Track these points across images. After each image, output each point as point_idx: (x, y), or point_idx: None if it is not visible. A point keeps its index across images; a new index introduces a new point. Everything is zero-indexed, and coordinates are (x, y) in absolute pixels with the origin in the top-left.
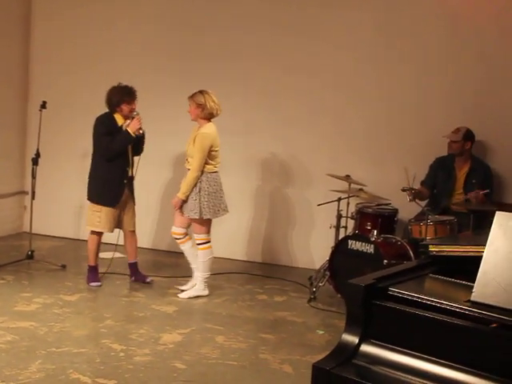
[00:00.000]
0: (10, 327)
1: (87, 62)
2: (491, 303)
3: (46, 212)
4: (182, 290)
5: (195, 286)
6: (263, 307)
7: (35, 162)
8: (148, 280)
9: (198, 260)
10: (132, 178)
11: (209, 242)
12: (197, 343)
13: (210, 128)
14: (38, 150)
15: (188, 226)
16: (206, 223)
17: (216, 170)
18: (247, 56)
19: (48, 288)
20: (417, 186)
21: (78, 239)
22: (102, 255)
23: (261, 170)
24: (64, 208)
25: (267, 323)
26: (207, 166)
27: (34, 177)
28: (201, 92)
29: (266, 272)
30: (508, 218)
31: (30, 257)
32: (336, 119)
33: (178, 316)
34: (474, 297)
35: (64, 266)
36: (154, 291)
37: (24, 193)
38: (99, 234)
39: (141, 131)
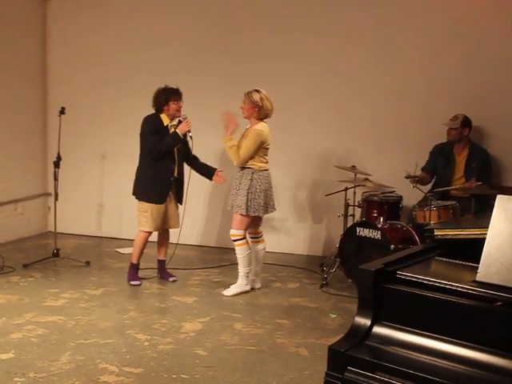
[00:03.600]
0: (40, 322)
1: (104, 66)
2: (495, 282)
3: (68, 212)
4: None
5: (238, 282)
6: (278, 294)
7: (57, 164)
8: (171, 279)
9: (237, 256)
10: (179, 179)
11: (244, 238)
12: (216, 331)
13: (263, 126)
14: (58, 153)
15: (247, 229)
16: (246, 221)
17: (267, 167)
18: (264, 55)
19: (74, 283)
20: (419, 172)
21: (100, 236)
22: (121, 250)
23: (270, 163)
24: (86, 207)
25: (282, 309)
26: (258, 164)
27: (56, 179)
28: (257, 91)
29: (279, 261)
30: (509, 200)
31: (56, 255)
32: (340, 114)
33: (197, 306)
34: (479, 277)
35: (88, 263)
36: (174, 283)
37: (47, 194)
38: (146, 233)
39: (190, 134)
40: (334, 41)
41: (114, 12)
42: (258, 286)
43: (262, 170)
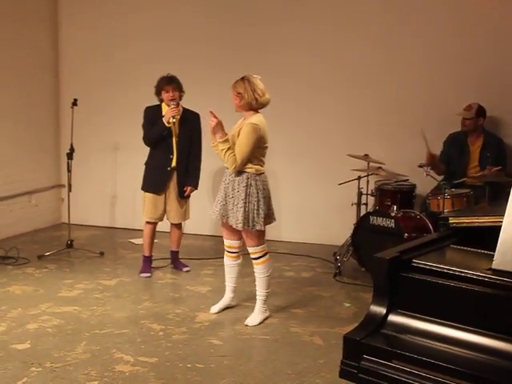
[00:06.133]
0: (56, 312)
1: (116, 58)
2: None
3: (82, 203)
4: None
5: (257, 309)
6: (291, 283)
7: (70, 156)
8: (185, 269)
9: (259, 276)
10: (180, 171)
11: (267, 253)
12: (231, 320)
13: (258, 119)
14: (71, 145)
15: (242, 237)
16: (262, 232)
17: (264, 170)
18: (269, 45)
19: (88, 274)
20: (430, 146)
21: (114, 227)
22: (134, 241)
23: (283, 153)
24: (99, 198)
25: (296, 298)
26: (255, 167)
27: (69, 170)
28: (242, 79)
29: (292, 250)
30: None
31: (70, 246)
32: (351, 102)
33: (211, 295)
34: (495, 265)
35: (102, 253)
36: (188, 273)
37: (61, 186)
38: (150, 224)
39: (173, 120)
40: (340, 32)
41: (124, 4)
42: (235, 302)
43: (258, 174)
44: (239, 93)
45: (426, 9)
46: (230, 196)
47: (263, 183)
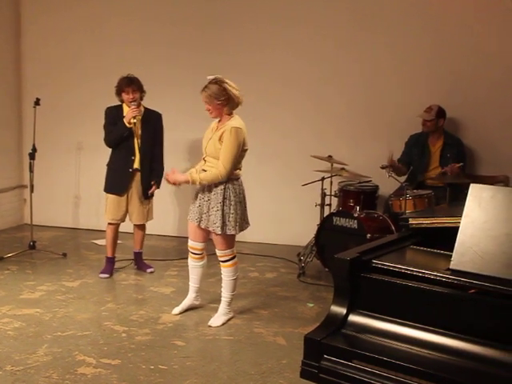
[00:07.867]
0: (17, 314)
1: (78, 58)
2: (469, 270)
3: (45, 204)
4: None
5: (221, 310)
6: (255, 284)
7: (32, 156)
8: (149, 270)
9: (226, 279)
10: (143, 172)
11: (235, 256)
12: (194, 321)
13: (239, 122)
14: (34, 145)
15: (207, 240)
16: (233, 236)
17: (240, 174)
18: (238, 47)
19: (51, 276)
20: (395, 158)
21: (77, 228)
22: (98, 242)
23: (247, 154)
24: (62, 199)
25: (260, 299)
26: (234, 172)
27: (31, 171)
28: (216, 83)
29: (256, 251)
30: (482, 189)
31: (32, 247)
32: (316, 104)
33: (175, 296)
34: (453, 265)
35: (65, 255)
36: (151, 274)
37: (23, 186)
38: (113, 225)
39: (134, 120)
40: (309, 32)
41: (88, 7)
42: (199, 302)
43: (236, 179)
44: (224, 99)
45: (393, 12)
46: (206, 199)
47: (240, 188)
